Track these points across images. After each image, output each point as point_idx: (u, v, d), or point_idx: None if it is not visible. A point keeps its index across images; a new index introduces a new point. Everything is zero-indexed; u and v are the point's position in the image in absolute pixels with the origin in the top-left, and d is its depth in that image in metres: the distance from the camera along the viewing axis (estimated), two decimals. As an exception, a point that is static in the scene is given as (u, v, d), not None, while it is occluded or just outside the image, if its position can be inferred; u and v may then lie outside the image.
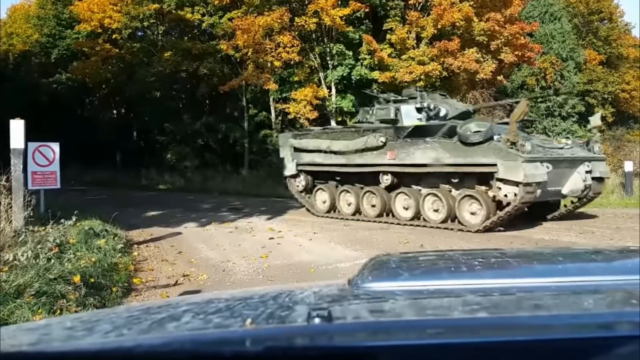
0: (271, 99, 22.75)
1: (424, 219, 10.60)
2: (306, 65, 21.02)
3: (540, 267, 1.50)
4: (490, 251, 1.64)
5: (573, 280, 1.18)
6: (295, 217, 12.42)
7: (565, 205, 11.58)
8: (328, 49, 20.80)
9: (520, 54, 19.96)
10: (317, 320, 0.88)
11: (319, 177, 12.90)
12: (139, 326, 0.99)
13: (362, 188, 11.79)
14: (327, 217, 12.33)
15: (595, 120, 11.47)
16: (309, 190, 13.10)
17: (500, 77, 20.31)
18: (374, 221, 11.39)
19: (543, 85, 22.82)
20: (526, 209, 10.16)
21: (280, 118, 22.89)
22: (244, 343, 0.82)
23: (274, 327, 0.95)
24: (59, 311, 4.38)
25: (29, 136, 7.81)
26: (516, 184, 9.12)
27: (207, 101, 26.28)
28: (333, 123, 21.70)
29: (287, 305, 1.09)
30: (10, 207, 6.79)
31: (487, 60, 19.38)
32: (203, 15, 23.44)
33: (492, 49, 19.45)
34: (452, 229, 10.20)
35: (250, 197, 17.53)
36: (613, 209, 14.39)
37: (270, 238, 9.25)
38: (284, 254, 7.90)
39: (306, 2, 20.14)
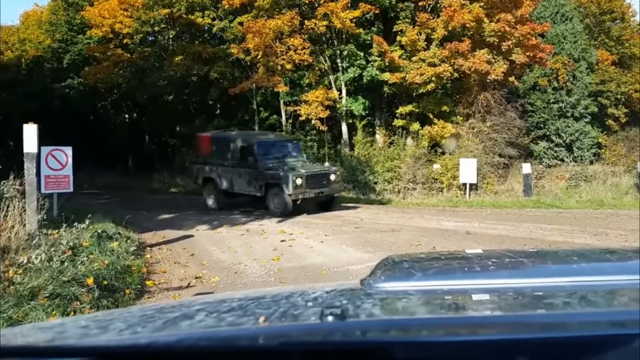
0: (282, 102, 22.78)
1: None
2: (317, 68, 21.04)
3: (553, 267, 1.50)
4: (503, 252, 1.64)
5: (587, 280, 1.18)
6: (307, 219, 12.42)
7: None
8: (338, 51, 20.80)
9: (531, 54, 19.82)
10: (330, 318, 0.88)
11: None
12: (153, 324, 1.00)
13: None
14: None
15: None
16: None
17: (511, 78, 20.17)
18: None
19: (555, 86, 22.63)
20: None
21: (290, 121, 22.91)
22: (257, 340, 0.82)
23: (288, 325, 0.95)
24: (72, 313, 4.42)
25: (42, 141, 7.87)
26: None
27: (218, 105, 26.36)
28: (343, 126, 21.72)
29: (300, 304, 1.09)
30: (24, 211, 6.84)
31: (498, 61, 19.26)
32: (213, 19, 23.53)
33: (503, 49, 19.33)
34: (467, 232, 10.16)
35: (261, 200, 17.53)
36: (627, 210, 14.28)
37: (282, 240, 9.26)
38: (295, 257, 7.90)
39: (316, 5, 20.16)
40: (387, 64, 19.87)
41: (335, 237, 9.78)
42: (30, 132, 7.39)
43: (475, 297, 1.11)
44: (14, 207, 6.66)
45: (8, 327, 3.61)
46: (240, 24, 21.31)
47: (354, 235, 10.01)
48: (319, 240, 9.33)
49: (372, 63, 20.35)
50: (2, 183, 6.96)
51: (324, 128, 20.80)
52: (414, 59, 19.47)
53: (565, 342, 0.81)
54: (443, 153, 20.23)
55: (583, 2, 28.06)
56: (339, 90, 21.32)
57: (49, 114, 24.66)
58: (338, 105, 21.10)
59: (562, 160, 22.57)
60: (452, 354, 0.79)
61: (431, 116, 20.10)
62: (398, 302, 1.10)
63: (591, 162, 22.39)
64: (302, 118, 20.76)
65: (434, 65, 18.93)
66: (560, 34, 22.96)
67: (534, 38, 19.83)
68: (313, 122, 20.46)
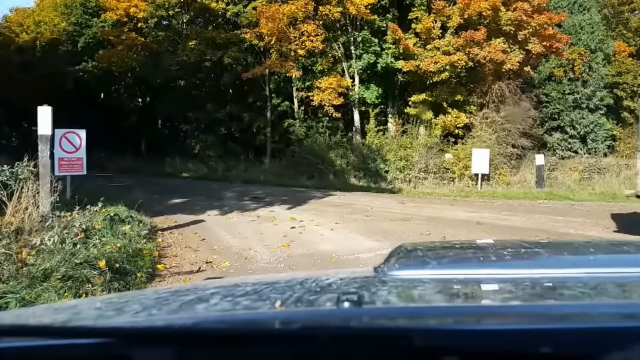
0: (294, 89, 22.74)
1: None
2: (330, 55, 20.95)
3: (569, 258, 1.49)
4: (518, 242, 1.63)
5: (602, 272, 1.17)
6: (317, 207, 12.43)
7: None
8: (352, 38, 20.70)
9: (548, 44, 19.59)
10: (346, 305, 0.88)
11: None
12: (169, 307, 1.00)
13: None
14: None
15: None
16: None
17: (527, 68, 19.96)
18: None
19: (571, 77, 22.35)
20: None
21: (303, 108, 22.88)
22: (274, 324, 0.82)
23: (304, 310, 0.95)
24: (84, 295, 4.46)
25: (56, 123, 7.91)
26: None
27: (231, 90, 26.37)
28: (356, 113, 21.66)
29: (314, 290, 1.09)
30: (38, 193, 6.89)
31: (514, 50, 19.08)
32: (227, 4, 23.49)
33: (520, 39, 19.13)
34: (478, 223, 10.13)
35: (272, 186, 17.60)
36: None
37: (292, 227, 9.28)
38: (305, 244, 7.92)
39: (331, -10, 20.07)
40: (401, 51, 19.74)
41: (346, 225, 9.78)
42: (44, 115, 7.42)
43: (490, 286, 1.10)
44: (28, 189, 6.70)
45: (22, 308, 3.65)
46: (254, 9, 21.26)
47: (364, 223, 10.01)
48: (329, 228, 9.34)
49: (386, 50, 20.23)
50: (16, 164, 7.01)
51: (337, 115, 20.75)
52: (428, 47, 19.33)
53: (580, 332, 0.80)
54: (455, 143, 20.13)
55: (601, -8, 27.66)
56: (352, 77, 21.24)
57: (63, 97, 24.78)
58: (351, 93, 21.03)
59: (575, 152, 22.36)
60: (469, 343, 0.78)
61: (445, 105, 19.99)
62: (413, 289, 1.10)
63: (605, 155, 22.15)
64: (315, 104, 20.71)
65: (448, 53, 18.79)
66: (577, 24, 22.63)
67: (550, 28, 19.60)
68: (326, 109, 20.42)
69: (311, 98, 20.85)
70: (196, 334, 0.81)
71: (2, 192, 6.36)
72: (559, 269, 1.25)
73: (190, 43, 23.52)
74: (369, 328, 0.83)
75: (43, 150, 7.28)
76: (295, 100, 23.07)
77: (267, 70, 22.02)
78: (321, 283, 1.15)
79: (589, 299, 1.04)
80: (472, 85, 20.71)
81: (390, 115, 22.00)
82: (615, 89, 24.66)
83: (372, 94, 20.88)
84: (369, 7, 19.43)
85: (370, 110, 21.07)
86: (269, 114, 23.74)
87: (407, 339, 0.77)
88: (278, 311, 0.92)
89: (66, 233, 5.85)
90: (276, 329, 0.81)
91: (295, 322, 0.82)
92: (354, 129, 21.81)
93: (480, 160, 17.97)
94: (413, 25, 19.82)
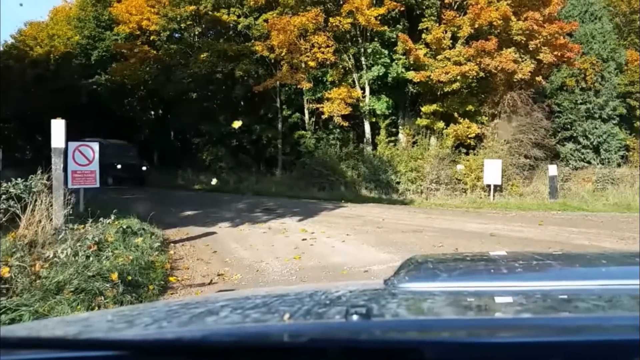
0: (305, 100, 22.82)
1: None
2: (340, 66, 21.03)
3: (581, 270, 1.48)
4: (530, 254, 1.61)
5: (615, 284, 1.16)
6: (328, 218, 12.41)
7: None
8: (363, 49, 20.77)
9: (559, 54, 19.56)
10: (355, 318, 0.88)
11: None
12: (179, 319, 1.01)
13: None
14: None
15: None
16: None
17: (539, 78, 19.92)
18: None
19: (583, 87, 22.24)
20: None
21: (314, 119, 22.95)
22: (282, 337, 0.82)
23: (313, 323, 0.95)
24: (97, 308, 4.47)
25: (69, 136, 7.98)
26: None
27: (242, 102, 26.52)
28: (366, 125, 21.67)
29: (323, 302, 1.09)
30: (51, 205, 6.94)
31: (526, 60, 19.04)
32: (239, 16, 23.70)
33: (531, 49, 19.11)
34: (491, 234, 10.07)
35: (283, 198, 17.61)
36: (656, 213, 13.98)
37: (303, 239, 9.26)
38: (316, 256, 7.89)
39: (341, 2, 20.18)
40: (411, 62, 19.77)
41: (357, 236, 9.75)
42: (58, 127, 7.49)
43: (502, 299, 1.10)
44: (42, 201, 6.74)
45: (35, 320, 3.67)
46: (266, 21, 21.43)
47: (375, 235, 9.97)
48: (341, 240, 9.31)
49: (396, 61, 20.27)
50: (30, 177, 7.07)
51: (345, 124, 20.78)
52: (439, 57, 19.35)
53: (594, 345, 0.79)
54: (467, 153, 20.07)
55: (613, 1, 27.56)
56: (362, 88, 21.29)
57: (76, 110, 25.04)
58: (361, 104, 21.07)
59: (589, 162, 22.20)
60: (480, 356, 0.78)
61: (456, 115, 19.96)
62: (423, 302, 1.09)
63: (618, 165, 21.98)
64: (325, 116, 20.77)
65: (459, 64, 18.79)
66: (588, 34, 22.56)
67: (562, 37, 19.56)
68: (335, 119, 20.47)
69: (321, 110, 20.92)
70: (206, 347, 0.81)
71: (16, 205, 6.41)
72: (572, 281, 1.23)
73: (201, 55, 23.73)
74: (379, 341, 0.82)
75: (56, 163, 7.34)
76: (306, 112, 23.16)
77: (277, 82, 22.13)
78: (330, 295, 1.15)
79: (602, 312, 1.03)
80: (483, 96, 20.67)
81: (401, 126, 22.01)
82: (628, 98, 24.51)
83: (382, 105, 20.90)
84: (379, 18, 19.51)
85: (381, 121, 21.10)
86: (280, 125, 23.84)
87: (417, 352, 0.76)
88: (287, 324, 0.92)
89: (79, 246, 5.87)
90: (285, 341, 0.80)
91: (304, 335, 0.82)
92: (364, 140, 21.84)
93: (492, 171, 17.88)
94: (423, 36, 19.86)
